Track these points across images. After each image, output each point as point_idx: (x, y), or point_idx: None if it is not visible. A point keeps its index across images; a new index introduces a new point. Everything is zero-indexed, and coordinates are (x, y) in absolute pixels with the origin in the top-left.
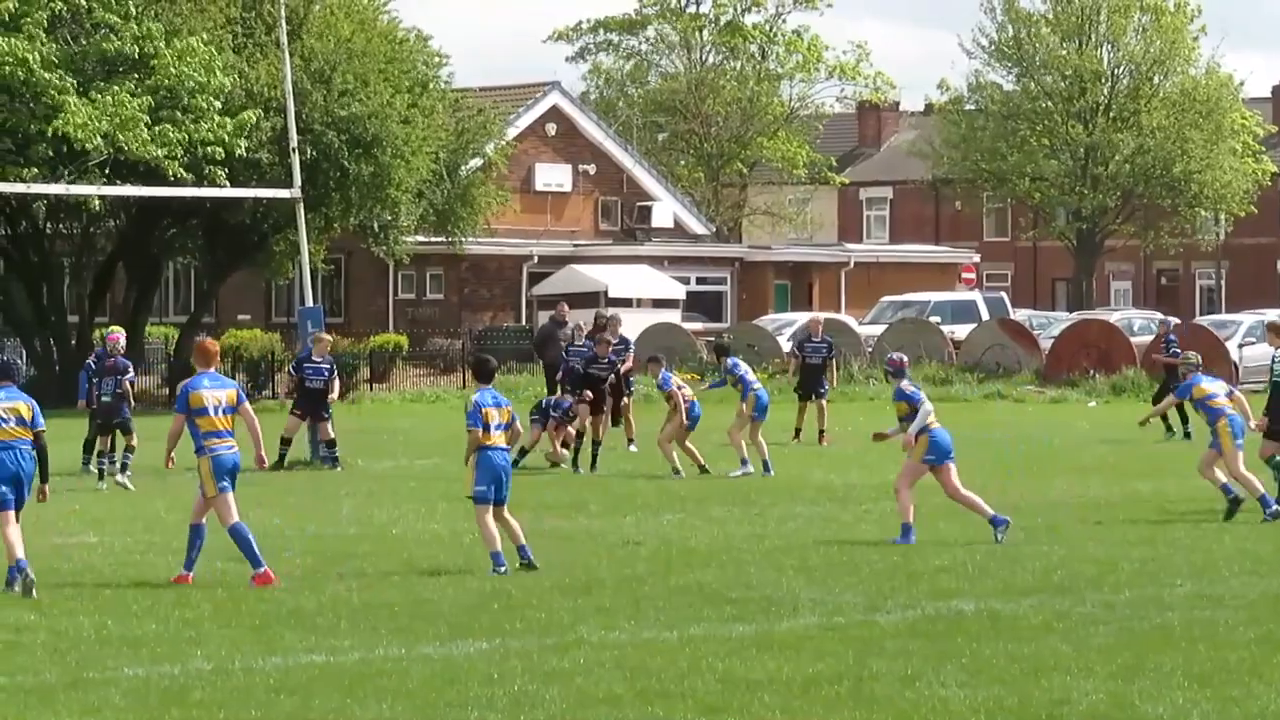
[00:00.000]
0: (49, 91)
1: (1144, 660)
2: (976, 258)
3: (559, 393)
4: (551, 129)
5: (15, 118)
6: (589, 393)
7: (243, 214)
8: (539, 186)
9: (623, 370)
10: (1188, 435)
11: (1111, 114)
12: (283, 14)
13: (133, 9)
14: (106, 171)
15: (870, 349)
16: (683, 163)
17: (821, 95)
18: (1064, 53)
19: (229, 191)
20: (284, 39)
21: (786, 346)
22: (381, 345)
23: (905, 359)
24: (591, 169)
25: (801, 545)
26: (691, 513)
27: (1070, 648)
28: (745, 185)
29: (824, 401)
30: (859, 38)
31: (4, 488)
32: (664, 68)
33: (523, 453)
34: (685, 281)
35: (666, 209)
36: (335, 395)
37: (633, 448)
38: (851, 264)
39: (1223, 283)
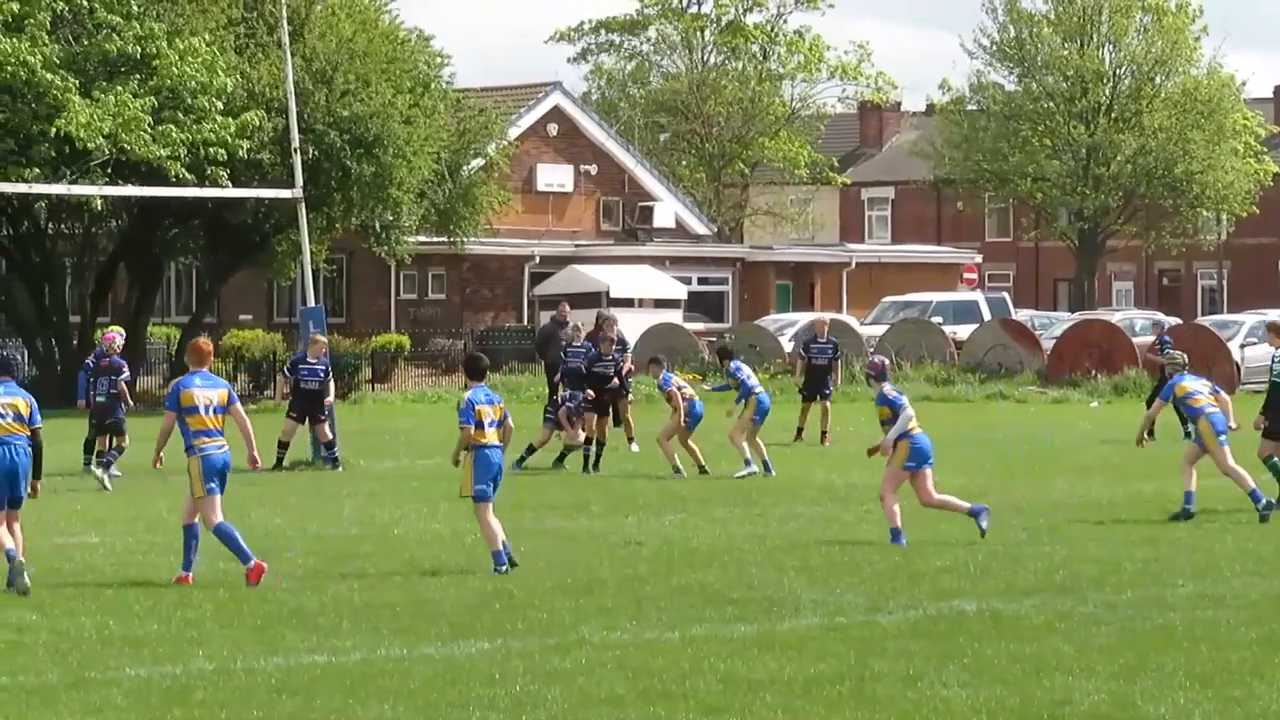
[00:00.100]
0: (51, 92)
1: (1146, 660)
2: (978, 258)
3: (564, 392)
4: (553, 129)
5: (17, 118)
6: (590, 392)
7: (244, 214)
8: (541, 187)
9: (624, 370)
10: (1188, 435)
11: (1113, 114)
12: (284, 14)
13: (134, 8)
14: (108, 172)
15: (872, 349)
16: (684, 163)
17: (823, 95)
18: (1066, 53)
19: (231, 192)
20: (286, 39)
21: (788, 347)
22: (383, 345)
23: (886, 362)
24: (593, 169)
25: (803, 545)
26: (693, 513)
27: (1072, 648)
28: (747, 185)
29: (828, 403)
30: (860, 38)
31: None
32: (665, 68)
33: (530, 450)
34: (687, 282)
35: (668, 209)
36: (331, 399)
37: (634, 447)
38: (853, 264)
39: (1224, 283)
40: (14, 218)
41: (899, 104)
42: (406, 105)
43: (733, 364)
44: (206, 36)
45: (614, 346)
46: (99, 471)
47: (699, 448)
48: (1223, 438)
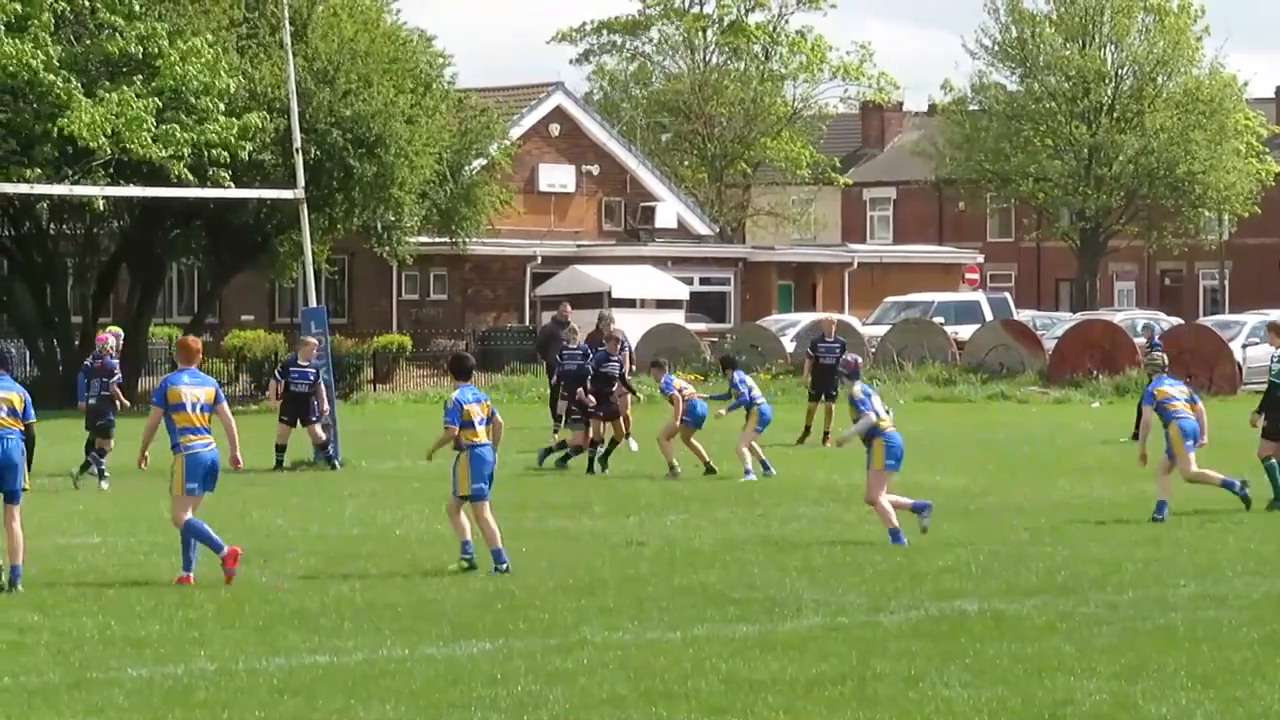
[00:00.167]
0: (54, 92)
1: (1147, 660)
2: (980, 258)
3: (561, 394)
4: (555, 129)
5: (20, 118)
6: (591, 398)
7: (246, 214)
8: (542, 187)
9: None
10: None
11: (1115, 114)
12: (286, 14)
13: (136, 9)
14: (110, 172)
15: (874, 349)
16: (686, 163)
17: (825, 96)
18: (1067, 53)
19: (233, 192)
20: (288, 39)
21: (790, 347)
22: (385, 346)
23: (859, 360)
24: (595, 169)
25: (805, 546)
26: (695, 513)
27: (1074, 648)
28: (749, 186)
29: (833, 405)
30: (862, 38)
31: None
32: (667, 68)
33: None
34: (689, 282)
35: (670, 209)
36: (325, 408)
37: (633, 445)
38: (855, 264)
39: (1226, 283)
40: (16, 218)
41: (901, 104)
42: (408, 105)
43: (736, 374)
44: (209, 37)
45: (618, 345)
46: (74, 469)
47: (704, 446)
48: (1190, 444)
